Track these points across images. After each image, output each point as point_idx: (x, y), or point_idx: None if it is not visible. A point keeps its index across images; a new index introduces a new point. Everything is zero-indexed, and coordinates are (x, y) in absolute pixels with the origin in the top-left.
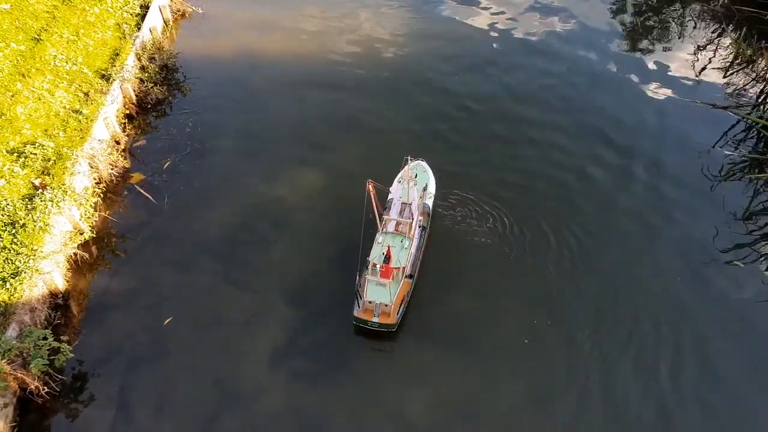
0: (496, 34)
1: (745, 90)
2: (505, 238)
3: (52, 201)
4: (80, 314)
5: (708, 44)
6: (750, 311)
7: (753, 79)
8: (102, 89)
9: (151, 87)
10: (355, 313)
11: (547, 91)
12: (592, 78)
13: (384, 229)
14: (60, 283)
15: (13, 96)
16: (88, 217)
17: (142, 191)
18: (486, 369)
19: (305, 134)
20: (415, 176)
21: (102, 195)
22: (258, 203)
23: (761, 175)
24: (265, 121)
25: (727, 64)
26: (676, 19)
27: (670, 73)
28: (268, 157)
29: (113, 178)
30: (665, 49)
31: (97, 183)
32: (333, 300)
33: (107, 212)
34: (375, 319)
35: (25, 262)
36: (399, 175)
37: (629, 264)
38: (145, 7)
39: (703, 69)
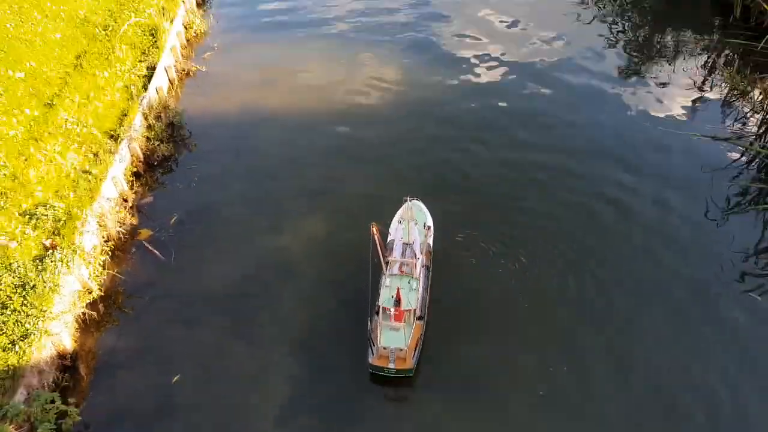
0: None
1: (744, 121)
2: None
3: (62, 261)
4: (88, 375)
5: (704, 78)
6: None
7: (751, 110)
8: (111, 149)
9: (158, 144)
10: (371, 361)
11: (545, 131)
12: (590, 116)
13: (389, 272)
14: (68, 344)
15: (26, 160)
16: (97, 276)
17: (149, 247)
18: (501, 418)
19: (308, 184)
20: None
21: (110, 253)
22: (263, 255)
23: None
24: (269, 173)
25: (723, 95)
26: (669, 55)
27: (667, 108)
28: (272, 208)
29: (121, 235)
30: (661, 85)
31: (105, 241)
32: (342, 349)
33: (115, 270)
34: (391, 365)
35: (34, 323)
36: (398, 216)
37: (645, 310)
38: (152, 69)
39: (701, 102)
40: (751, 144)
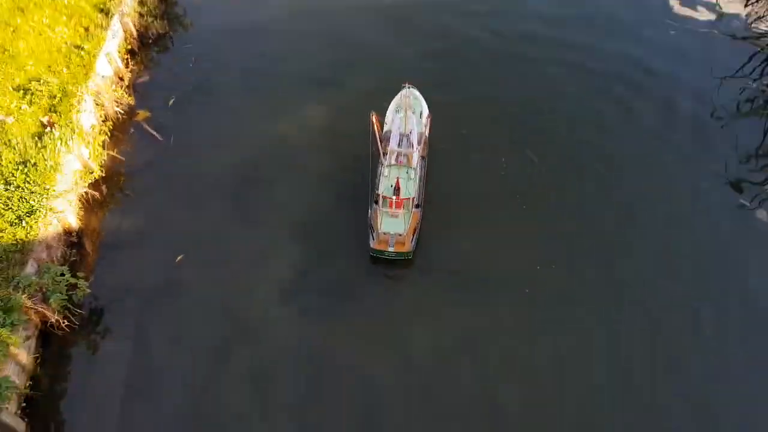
0: None
1: (766, 20)
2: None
3: (61, 139)
4: (94, 252)
5: None
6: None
7: None
8: (102, 24)
9: (152, 21)
10: (372, 245)
11: (568, 19)
12: (611, 8)
13: (387, 162)
14: (73, 222)
15: (14, 31)
16: (97, 156)
17: (148, 128)
18: (490, 304)
19: (310, 67)
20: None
21: (109, 133)
22: (264, 141)
23: None
24: (269, 55)
25: None
26: None
27: (689, 4)
28: (272, 92)
29: (119, 115)
30: None
31: (103, 121)
32: (341, 235)
33: (115, 150)
34: (391, 249)
35: (38, 200)
36: (394, 105)
37: (644, 202)
38: None
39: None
40: None
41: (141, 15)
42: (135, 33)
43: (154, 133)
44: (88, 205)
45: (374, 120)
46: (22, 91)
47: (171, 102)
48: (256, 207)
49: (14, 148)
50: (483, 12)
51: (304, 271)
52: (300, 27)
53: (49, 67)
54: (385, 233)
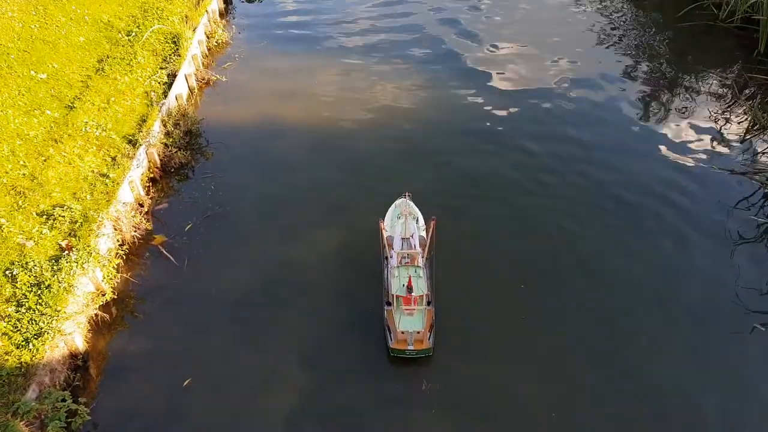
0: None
1: (763, 156)
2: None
3: (77, 262)
4: (98, 376)
5: (724, 112)
6: None
7: None
8: (129, 154)
9: (175, 151)
10: (391, 345)
11: (564, 162)
12: (609, 147)
13: (396, 263)
14: (80, 344)
15: (45, 160)
16: (111, 279)
17: (164, 251)
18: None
19: (322, 197)
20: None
21: (124, 257)
22: (276, 265)
23: None
24: (284, 184)
25: (744, 130)
26: (690, 88)
27: (686, 140)
28: (286, 219)
29: (136, 240)
30: (681, 117)
31: (120, 245)
32: (351, 361)
33: (128, 273)
34: (411, 347)
35: (48, 323)
36: (391, 212)
37: (654, 343)
38: (172, 76)
39: (721, 135)
40: None
41: (166, 146)
42: (158, 162)
43: (170, 256)
44: (97, 327)
45: (382, 225)
46: (45, 217)
47: (188, 228)
48: (265, 331)
49: (30, 271)
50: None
51: (311, 399)
52: (316, 156)
53: (74, 194)
54: (403, 332)
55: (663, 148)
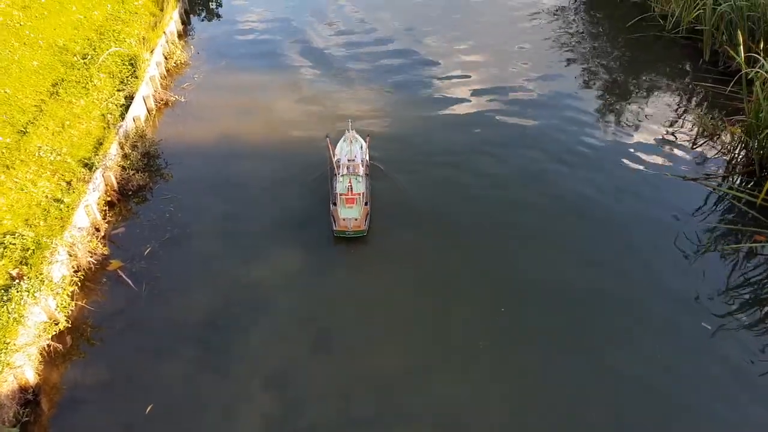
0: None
1: (712, 161)
2: None
3: (28, 291)
4: (51, 410)
5: (674, 119)
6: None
7: (719, 151)
8: (84, 178)
9: (133, 174)
10: (335, 228)
11: (521, 170)
12: (561, 156)
13: (340, 173)
14: (31, 377)
15: None
16: (65, 307)
17: (123, 276)
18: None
19: (284, 216)
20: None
21: (79, 283)
22: (237, 286)
23: (736, 246)
24: (244, 204)
25: (693, 137)
26: (640, 96)
27: (637, 148)
28: (246, 240)
29: (92, 265)
30: (631, 125)
31: (75, 271)
32: (314, 387)
33: (84, 301)
34: (350, 229)
35: None
36: (340, 143)
37: (614, 347)
38: (130, 98)
39: (671, 143)
40: (719, 185)
41: (123, 168)
42: (116, 185)
43: (129, 281)
44: (50, 359)
45: (328, 141)
46: None
47: (147, 251)
48: (228, 355)
49: None
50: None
51: (277, 424)
52: (277, 174)
53: (27, 220)
54: (344, 219)
55: (615, 155)
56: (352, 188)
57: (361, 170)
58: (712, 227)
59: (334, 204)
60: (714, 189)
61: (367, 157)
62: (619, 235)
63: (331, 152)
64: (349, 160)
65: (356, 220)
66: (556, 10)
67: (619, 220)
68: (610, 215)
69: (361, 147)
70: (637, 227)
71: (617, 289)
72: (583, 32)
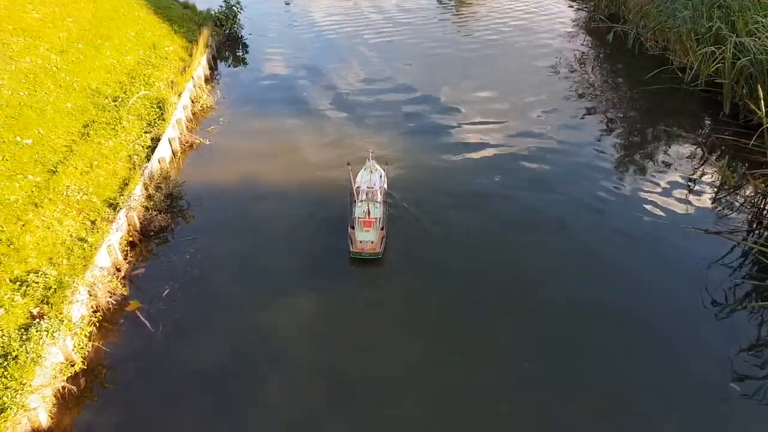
0: (486, 166)
1: (736, 215)
2: None
3: (47, 331)
4: None
5: (695, 172)
6: None
7: (742, 205)
8: (109, 217)
9: (156, 214)
10: (352, 249)
11: (544, 223)
12: (583, 208)
13: (360, 199)
14: (44, 420)
15: (24, 225)
16: (82, 348)
17: (140, 317)
18: None
19: (305, 260)
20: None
21: (97, 324)
22: (254, 331)
23: (765, 303)
24: (264, 247)
25: (715, 190)
26: (661, 149)
27: (660, 201)
28: (266, 284)
29: (110, 305)
30: (654, 179)
31: (94, 311)
32: None
33: (101, 341)
34: (366, 251)
35: (12, 397)
36: (361, 172)
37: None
38: (156, 140)
39: (694, 196)
40: (744, 239)
41: (147, 209)
42: (138, 226)
43: (146, 322)
44: (63, 401)
45: (349, 168)
46: (18, 283)
47: (165, 293)
48: (243, 404)
49: None
50: None
51: None
52: (297, 218)
53: (51, 258)
54: (361, 242)
55: (636, 206)
56: (369, 212)
57: (379, 197)
58: (738, 283)
59: (352, 227)
60: (738, 243)
61: (386, 186)
62: (641, 289)
63: (352, 179)
64: (368, 188)
65: (372, 243)
66: (575, 62)
67: (641, 273)
68: (631, 267)
69: (381, 176)
70: (660, 281)
71: (640, 346)
72: (602, 83)
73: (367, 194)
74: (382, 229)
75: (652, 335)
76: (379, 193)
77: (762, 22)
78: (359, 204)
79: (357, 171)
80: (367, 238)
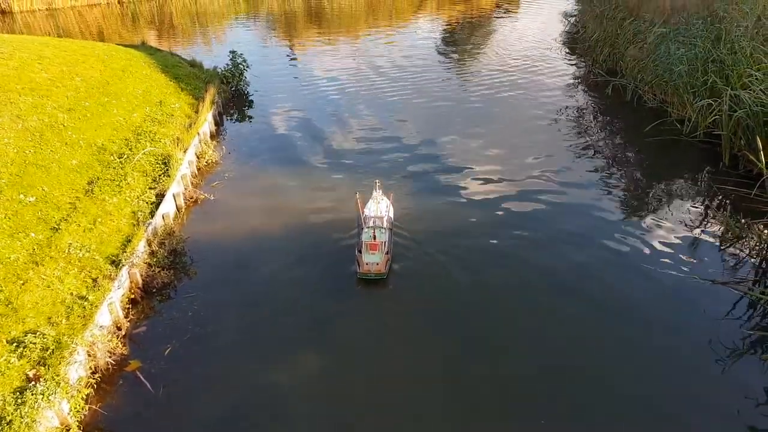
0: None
1: (741, 265)
2: None
3: (43, 394)
4: None
5: (698, 223)
6: None
7: (747, 255)
8: (111, 275)
9: (159, 271)
10: (359, 271)
11: (544, 269)
12: (587, 261)
13: (367, 225)
14: None
15: (23, 284)
16: (78, 411)
17: (141, 377)
18: None
19: (309, 318)
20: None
21: (95, 386)
22: (255, 391)
23: None
24: (269, 306)
25: (719, 240)
26: (662, 200)
27: (663, 252)
28: (269, 343)
29: (110, 366)
30: (655, 229)
31: (92, 372)
32: None
33: (98, 404)
34: (372, 272)
35: None
36: (370, 200)
37: None
38: (161, 196)
39: (697, 246)
40: (750, 289)
41: (149, 265)
42: (140, 283)
43: (146, 382)
44: None
45: (358, 197)
46: (15, 344)
47: (167, 351)
48: None
49: None
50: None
51: None
52: (300, 274)
53: (50, 318)
54: (367, 264)
55: (642, 260)
56: (375, 237)
57: (385, 224)
58: (747, 334)
59: (359, 251)
60: (745, 293)
61: (391, 214)
62: (650, 341)
63: (361, 208)
64: (375, 216)
65: (377, 264)
66: (576, 116)
67: (650, 324)
68: (638, 319)
69: (387, 206)
70: (668, 333)
71: (652, 400)
72: (603, 137)
73: (373, 221)
74: (387, 253)
75: (661, 389)
76: (384, 220)
77: (755, 75)
78: (366, 230)
79: (366, 200)
80: (373, 260)
